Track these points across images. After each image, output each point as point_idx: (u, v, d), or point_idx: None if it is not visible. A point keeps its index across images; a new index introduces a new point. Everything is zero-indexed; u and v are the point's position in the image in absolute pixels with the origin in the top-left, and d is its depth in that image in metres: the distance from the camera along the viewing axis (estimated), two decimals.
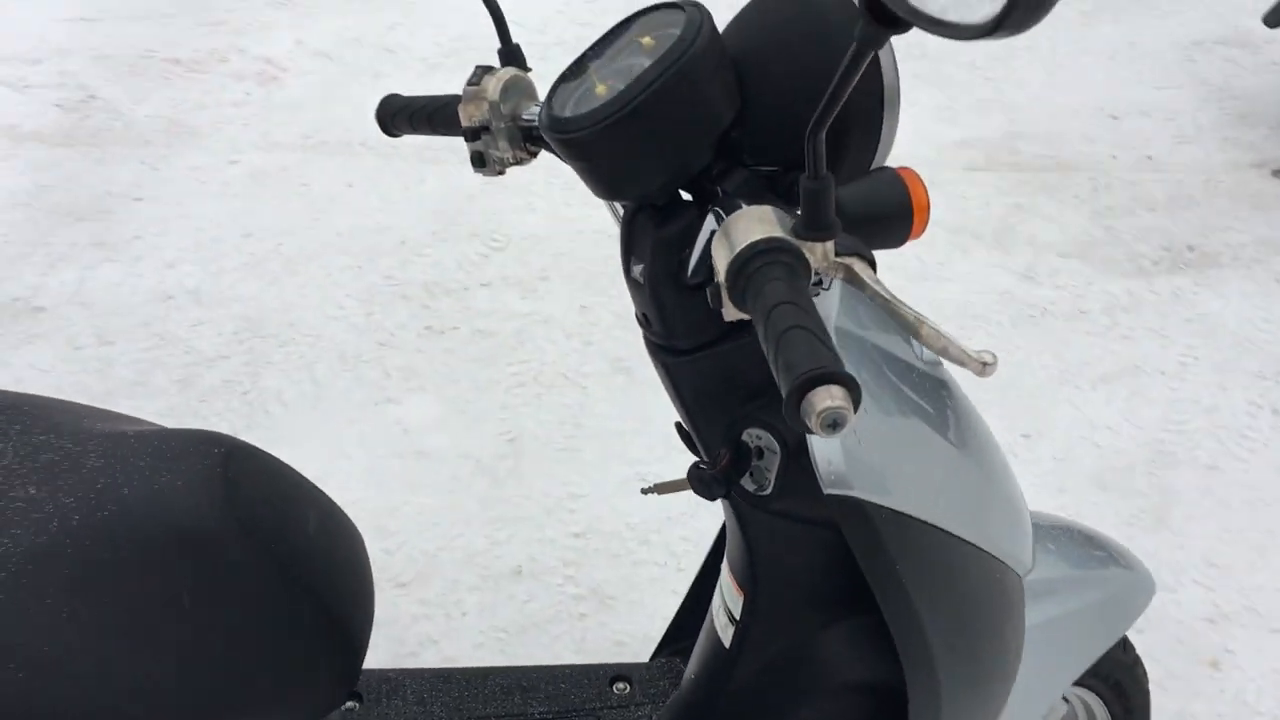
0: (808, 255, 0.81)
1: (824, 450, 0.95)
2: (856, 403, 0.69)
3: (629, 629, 2.05)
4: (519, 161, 1.14)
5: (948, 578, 1.05)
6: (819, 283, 0.94)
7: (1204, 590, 2.16)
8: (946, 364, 1.17)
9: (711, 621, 1.32)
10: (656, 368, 1.08)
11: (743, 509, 1.12)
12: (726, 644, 1.29)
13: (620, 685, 1.57)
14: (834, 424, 0.69)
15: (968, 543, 1.06)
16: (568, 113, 0.93)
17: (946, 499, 1.05)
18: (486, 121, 1.12)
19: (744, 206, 0.86)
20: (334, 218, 3.09)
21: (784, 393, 0.69)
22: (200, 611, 1.02)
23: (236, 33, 3.99)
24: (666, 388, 1.09)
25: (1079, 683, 1.49)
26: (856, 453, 0.96)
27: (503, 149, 1.13)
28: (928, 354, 1.12)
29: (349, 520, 1.24)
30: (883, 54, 0.96)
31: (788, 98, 0.95)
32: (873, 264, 0.87)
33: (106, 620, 0.98)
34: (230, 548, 1.04)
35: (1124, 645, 1.50)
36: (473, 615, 2.08)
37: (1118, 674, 1.50)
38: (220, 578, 1.04)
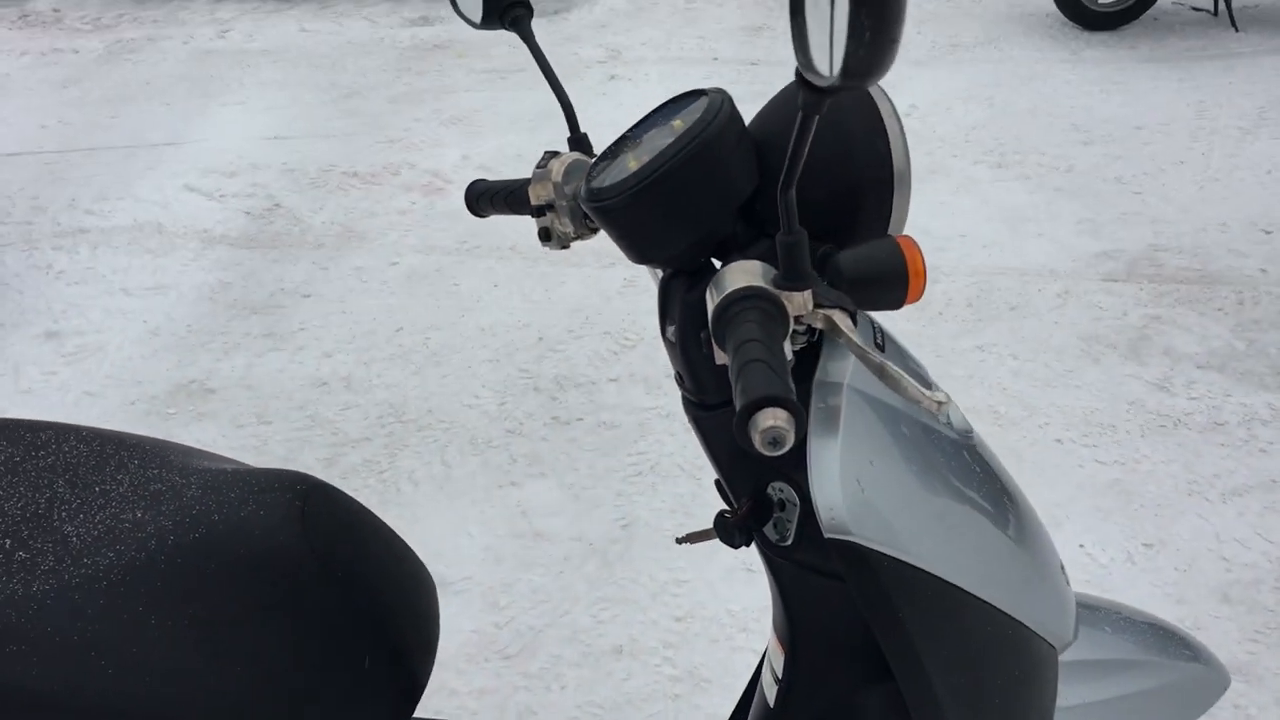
0: (786, 304, 0.89)
1: (825, 496, 1.01)
2: (800, 426, 0.76)
3: (722, 710, 2.08)
4: (580, 236, 1.25)
5: (960, 635, 1.08)
6: (806, 332, 1.01)
7: None
8: (979, 436, 1.22)
9: (760, 684, 1.36)
10: (690, 423, 1.16)
11: (775, 562, 1.18)
12: (771, 703, 1.33)
13: None
14: (774, 441, 0.76)
15: (986, 603, 1.09)
16: (602, 184, 1.04)
17: (963, 558, 1.08)
18: (551, 200, 1.24)
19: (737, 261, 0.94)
20: (479, 315, 3.28)
21: (736, 413, 0.77)
22: (269, 628, 1.14)
23: (410, 148, 4.32)
24: (701, 443, 1.16)
25: None
26: (859, 500, 1.01)
27: (565, 224, 1.24)
28: (957, 423, 1.17)
29: (423, 566, 1.35)
30: (892, 138, 1.03)
31: (803, 175, 1.03)
32: (853, 316, 0.94)
33: (185, 629, 1.11)
34: (302, 573, 1.16)
35: None
36: (571, 689, 2.15)
37: None
38: (290, 600, 1.15)
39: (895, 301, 1.00)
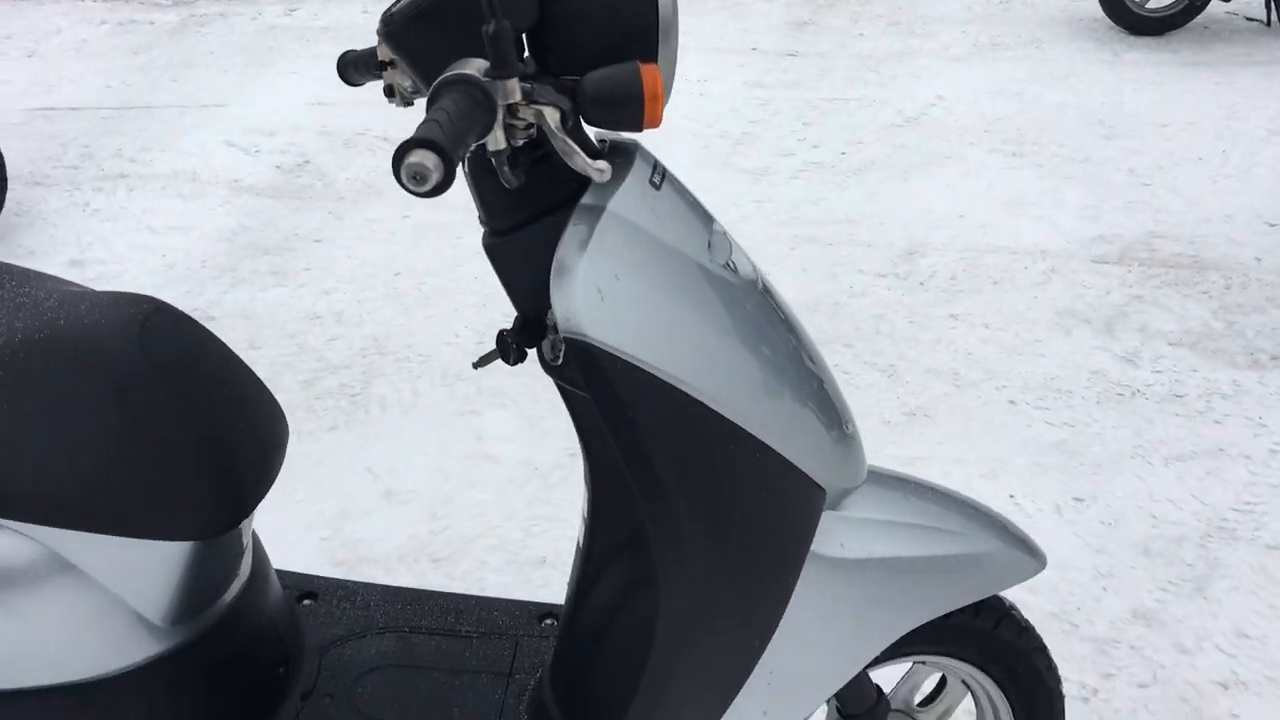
0: (493, 92, 0.98)
1: (563, 299, 1.10)
2: (448, 170, 0.86)
3: None
4: (419, 92, 1.35)
5: (698, 449, 1.15)
6: (526, 127, 1.08)
7: (1225, 657, 2.05)
8: (772, 285, 1.29)
9: (577, 541, 1.45)
10: (488, 258, 1.25)
11: (562, 389, 1.27)
12: (580, 541, 1.42)
13: (548, 621, 1.69)
14: (416, 176, 0.86)
15: (735, 424, 1.16)
16: (391, 10, 1.15)
17: (715, 381, 1.15)
18: (392, 58, 1.35)
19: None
20: (474, 265, 3.41)
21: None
22: (101, 425, 1.26)
23: None
24: (497, 275, 1.26)
25: (974, 663, 1.50)
26: (596, 304, 1.10)
27: (404, 79, 1.35)
28: (743, 270, 1.25)
29: (273, 399, 1.45)
30: None
31: (581, 11, 1.12)
32: (565, 118, 1.03)
33: (25, 416, 1.23)
34: (134, 378, 1.28)
35: (1021, 631, 1.49)
36: (490, 592, 2.24)
37: (1010, 659, 1.49)
38: (122, 401, 1.27)
39: (633, 122, 1.09)
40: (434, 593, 1.72)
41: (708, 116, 4.39)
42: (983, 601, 1.46)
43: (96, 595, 1.28)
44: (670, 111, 4.05)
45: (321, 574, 1.76)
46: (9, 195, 3.73)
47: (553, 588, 2.25)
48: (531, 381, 2.86)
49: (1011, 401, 2.75)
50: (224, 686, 1.43)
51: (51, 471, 1.23)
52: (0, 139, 4.28)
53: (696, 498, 1.16)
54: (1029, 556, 1.45)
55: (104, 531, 1.26)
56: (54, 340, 1.28)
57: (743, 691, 1.33)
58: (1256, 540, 2.31)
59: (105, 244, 3.58)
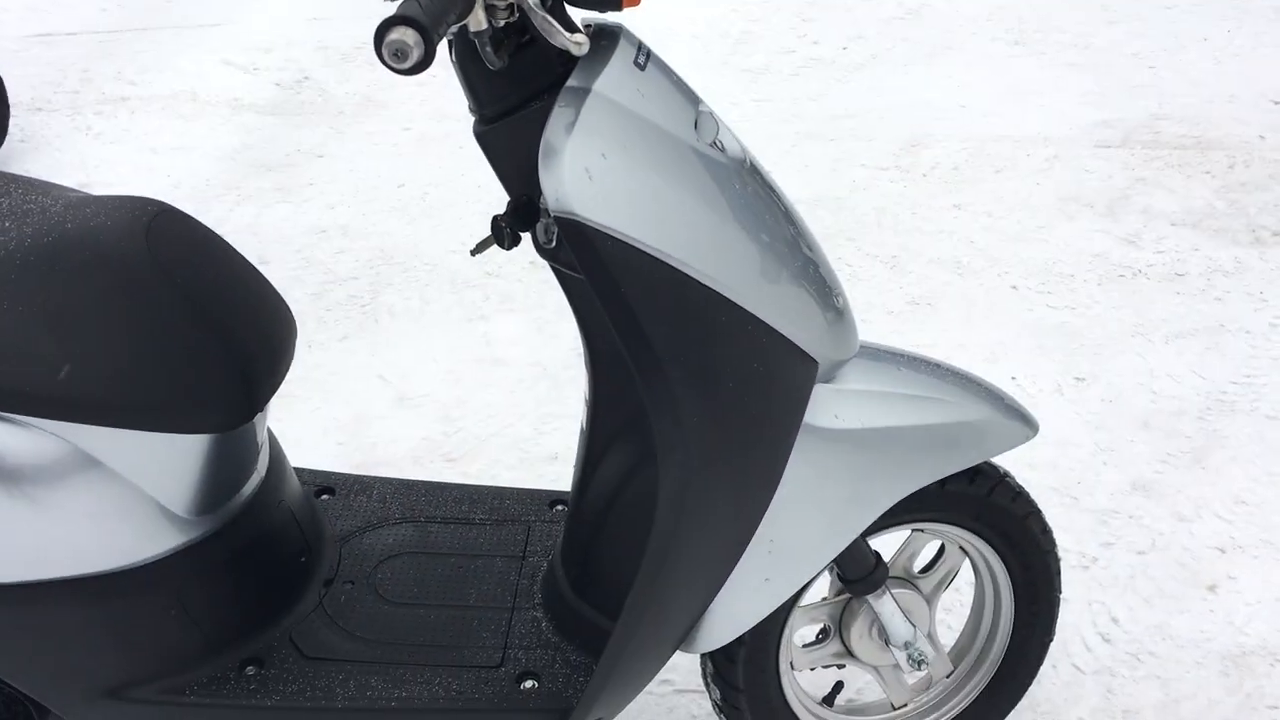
0: None
1: (552, 179, 1.12)
2: (428, 46, 0.88)
3: None
4: None
5: (689, 320, 1.18)
6: (506, 9, 1.10)
7: (1223, 523, 2.10)
8: (760, 164, 1.31)
9: (580, 424, 1.49)
10: (480, 148, 1.28)
11: (559, 274, 1.30)
12: (584, 425, 1.46)
13: (559, 507, 1.75)
14: (398, 54, 0.88)
15: (723, 297, 1.19)
16: None
17: (704, 254, 1.18)
18: None
19: None
20: (478, 174, 3.42)
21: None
22: (110, 322, 1.30)
23: None
24: (491, 165, 1.28)
25: (970, 529, 1.55)
26: (584, 183, 1.12)
27: None
28: (731, 148, 1.27)
29: (281, 300, 1.48)
30: None
31: None
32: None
33: (34, 315, 1.27)
34: (141, 275, 1.32)
35: (1015, 496, 1.54)
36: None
37: (1006, 524, 1.54)
38: (129, 298, 1.31)
39: (614, 2, 1.11)
40: (448, 484, 1.78)
41: (707, 17, 4.35)
42: (977, 469, 1.50)
43: (120, 488, 1.34)
44: (668, 12, 4.02)
45: (338, 470, 1.81)
46: (12, 122, 3.75)
47: (565, 481, 2.30)
48: (540, 285, 2.89)
49: (1013, 287, 2.77)
50: (248, 574, 1.49)
51: (67, 369, 1.27)
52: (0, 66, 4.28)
53: (691, 371, 1.19)
54: (1021, 423, 1.49)
55: (122, 426, 1.30)
56: (62, 243, 1.31)
57: (744, 560, 1.38)
58: (1255, 411, 2.34)
59: (110, 166, 3.60)
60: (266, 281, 1.48)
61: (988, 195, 3.14)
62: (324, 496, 1.74)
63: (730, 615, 1.41)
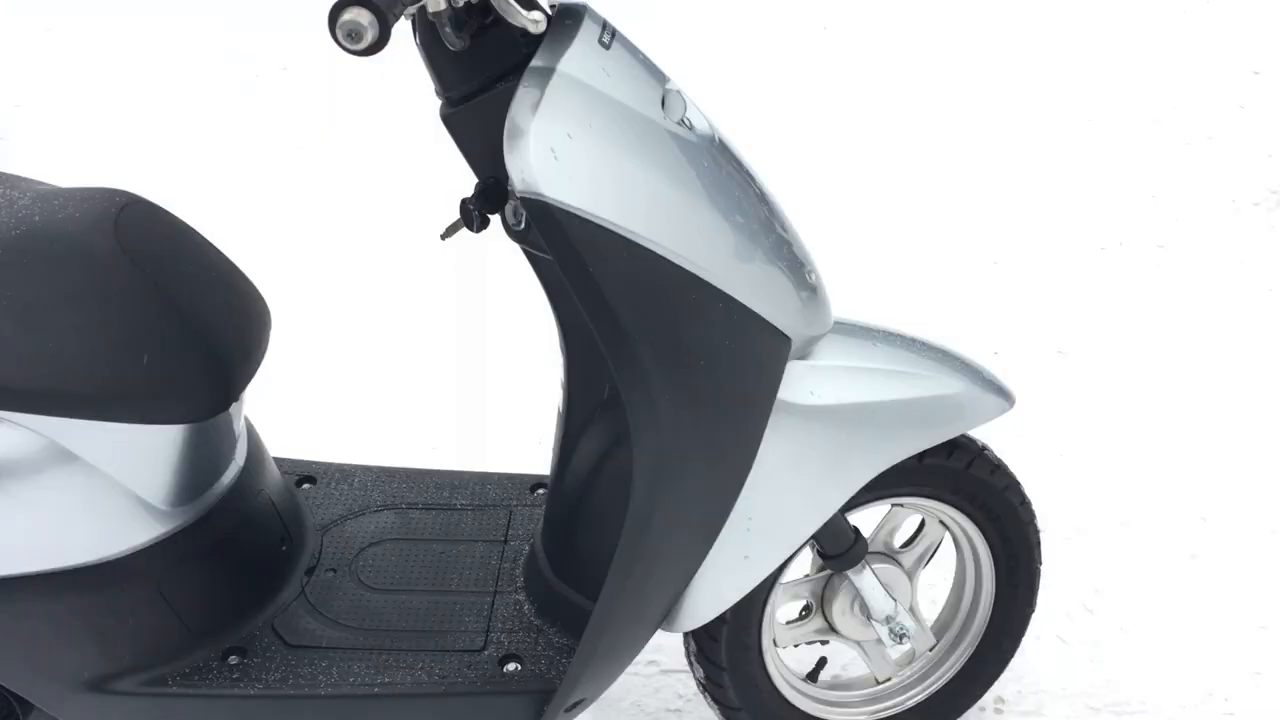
0: None
1: (517, 161, 1.12)
2: (383, 28, 0.88)
3: None
4: None
5: (658, 297, 1.18)
6: None
7: None
8: (729, 141, 1.31)
9: (557, 406, 1.49)
10: (448, 132, 1.27)
11: (529, 255, 1.30)
12: (561, 408, 1.47)
13: (539, 490, 1.75)
14: (351, 34, 0.88)
15: (691, 274, 1.19)
16: None
17: (671, 232, 1.18)
18: None
19: None
20: None
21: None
22: (80, 314, 1.29)
23: None
24: (463, 154, 1.28)
25: (949, 503, 1.55)
26: (549, 163, 1.12)
27: None
28: (700, 127, 1.27)
29: (253, 287, 1.48)
30: None
31: None
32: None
33: (7, 311, 1.27)
34: (111, 268, 1.31)
35: (993, 469, 1.54)
36: None
37: (985, 496, 1.55)
38: (99, 290, 1.31)
39: None
40: (429, 471, 1.78)
41: None
42: (955, 443, 1.51)
43: (96, 480, 1.34)
44: None
45: (319, 459, 1.81)
46: None
47: (546, 465, 2.30)
48: None
49: None
50: (229, 564, 1.49)
51: (38, 363, 1.27)
52: None
53: (661, 349, 1.19)
54: (997, 396, 1.49)
55: (96, 418, 1.30)
56: (30, 236, 1.31)
57: (722, 538, 1.38)
58: None
59: None
60: (240, 270, 1.48)
61: None
62: (305, 485, 1.75)
63: (711, 593, 1.42)
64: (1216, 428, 2.26)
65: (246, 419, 1.59)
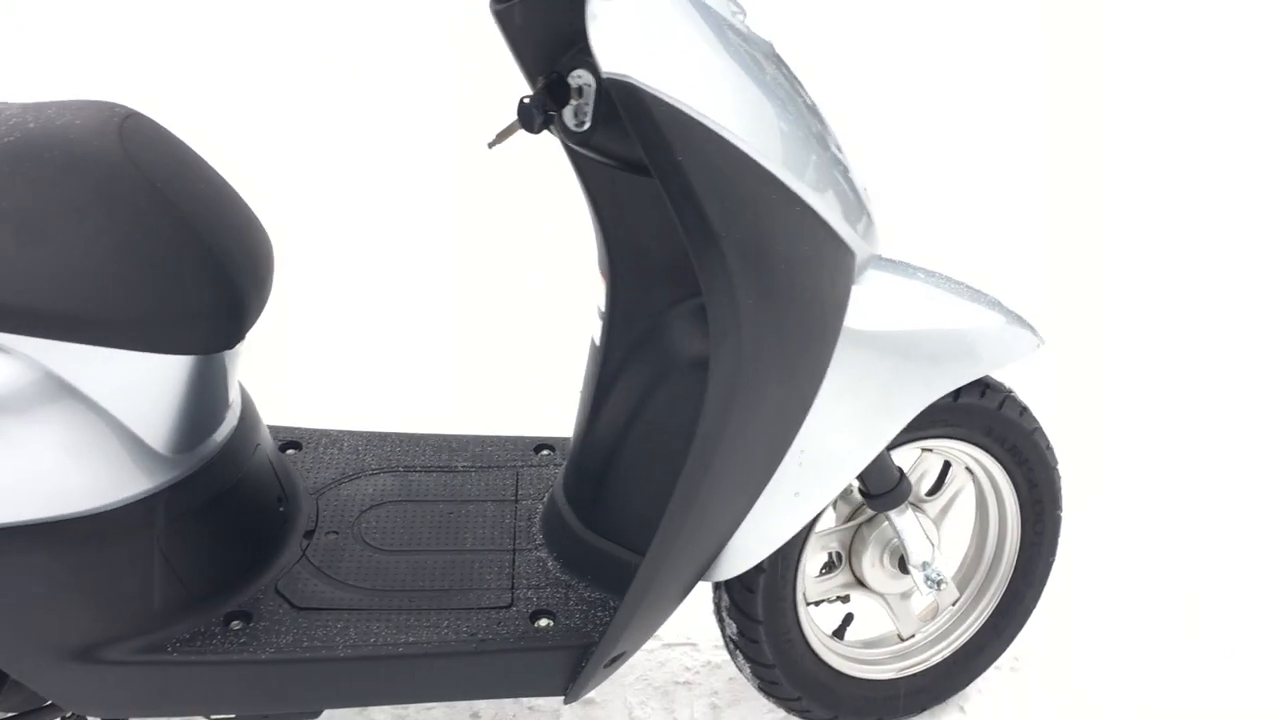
0: None
1: (605, 41, 1.05)
2: None
3: None
4: None
5: (741, 194, 1.11)
6: None
7: None
8: (781, 53, 1.27)
9: (591, 340, 1.41)
10: (501, 32, 1.20)
11: (581, 164, 1.23)
12: (598, 340, 1.39)
13: (545, 452, 1.66)
14: None
15: (771, 174, 1.13)
16: None
17: (750, 128, 1.11)
18: None
19: None
20: None
21: None
22: (84, 225, 1.16)
23: None
24: (510, 49, 1.21)
25: (980, 445, 1.52)
26: (638, 46, 1.06)
27: None
28: (758, 31, 1.22)
29: (250, 210, 1.36)
30: None
31: None
32: None
33: (3, 221, 1.14)
34: (117, 177, 1.19)
35: (1022, 411, 1.52)
36: None
37: (1014, 438, 1.52)
38: (104, 199, 1.18)
39: None
40: (423, 435, 1.67)
41: None
42: (986, 383, 1.48)
43: (96, 418, 1.20)
44: None
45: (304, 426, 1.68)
46: None
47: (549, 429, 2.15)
48: None
49: None
50: (228, 521, 1.36)
51: (38, 278, 1.14)
52: None
53: (746, 248, 1.12)
54: (1030, 332, 1.47)
55: (99, 344, 1.17)
56: (26, 143, 1.18)
57: (775, 475, 1.32)
58: None
59: None
60: (239, 197, 1.35)
61: None
62: (290, 452, 1.62)
63: (757, 535, 1.35)
64: None
65: (240, 383, 1.47)
